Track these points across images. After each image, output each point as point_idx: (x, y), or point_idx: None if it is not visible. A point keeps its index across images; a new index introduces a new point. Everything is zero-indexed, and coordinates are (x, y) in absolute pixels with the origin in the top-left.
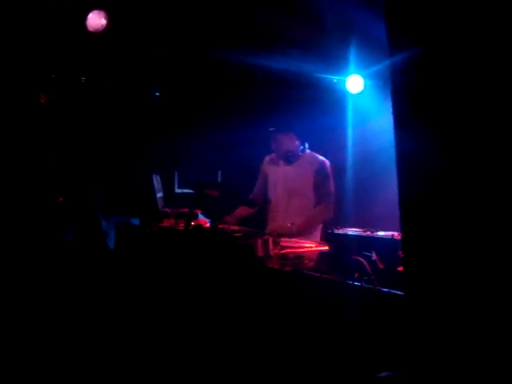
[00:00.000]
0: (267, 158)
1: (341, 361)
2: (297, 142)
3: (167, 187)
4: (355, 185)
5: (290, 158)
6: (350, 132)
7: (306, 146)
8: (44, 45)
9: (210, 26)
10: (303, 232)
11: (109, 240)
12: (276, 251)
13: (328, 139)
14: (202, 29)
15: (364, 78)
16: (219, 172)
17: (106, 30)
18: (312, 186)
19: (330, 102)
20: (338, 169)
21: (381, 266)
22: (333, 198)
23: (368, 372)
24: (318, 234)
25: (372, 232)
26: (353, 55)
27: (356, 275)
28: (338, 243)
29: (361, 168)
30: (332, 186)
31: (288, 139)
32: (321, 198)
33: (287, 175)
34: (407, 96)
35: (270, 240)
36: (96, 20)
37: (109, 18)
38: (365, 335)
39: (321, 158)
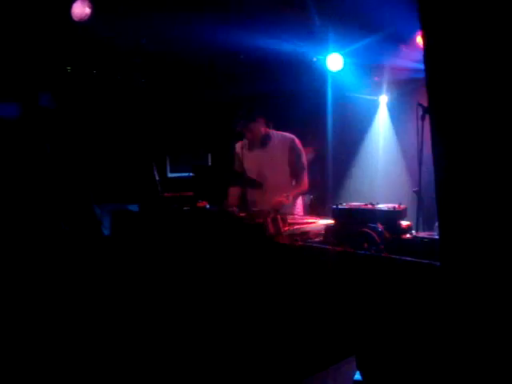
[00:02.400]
0: (239, 145)
1: (359, 330)
2: (267, 124)
3: (160, 172)
4: (336, 160)
5: (264, 142)
6: (330, 109)
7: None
8: (31, 37)
9: (189, 6)
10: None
11: (103, 227)
12: (286, 228)
13: (309, 117)
14: (181, 10)
15: (343, 56)
16: (209, 155)
17: (90, 18)
18: (287, 163)
19: (310, 81)
20: (320, 143)
21: (388, 235)
22: (306, 171)
23: (385, 338)
24: (300, 207)
25: (373, 205)
26: (332, 34)
27: (365, 245)
28: (345, 217)
29: (341, 143)
30: (305, 160)
31: (260, 125)
32: (298, 173)
33: (264, 159)
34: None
35: (279, 218)
36: (80, 9)
37: (92, 6)
38: (382, 302)
39: (289, 135)
